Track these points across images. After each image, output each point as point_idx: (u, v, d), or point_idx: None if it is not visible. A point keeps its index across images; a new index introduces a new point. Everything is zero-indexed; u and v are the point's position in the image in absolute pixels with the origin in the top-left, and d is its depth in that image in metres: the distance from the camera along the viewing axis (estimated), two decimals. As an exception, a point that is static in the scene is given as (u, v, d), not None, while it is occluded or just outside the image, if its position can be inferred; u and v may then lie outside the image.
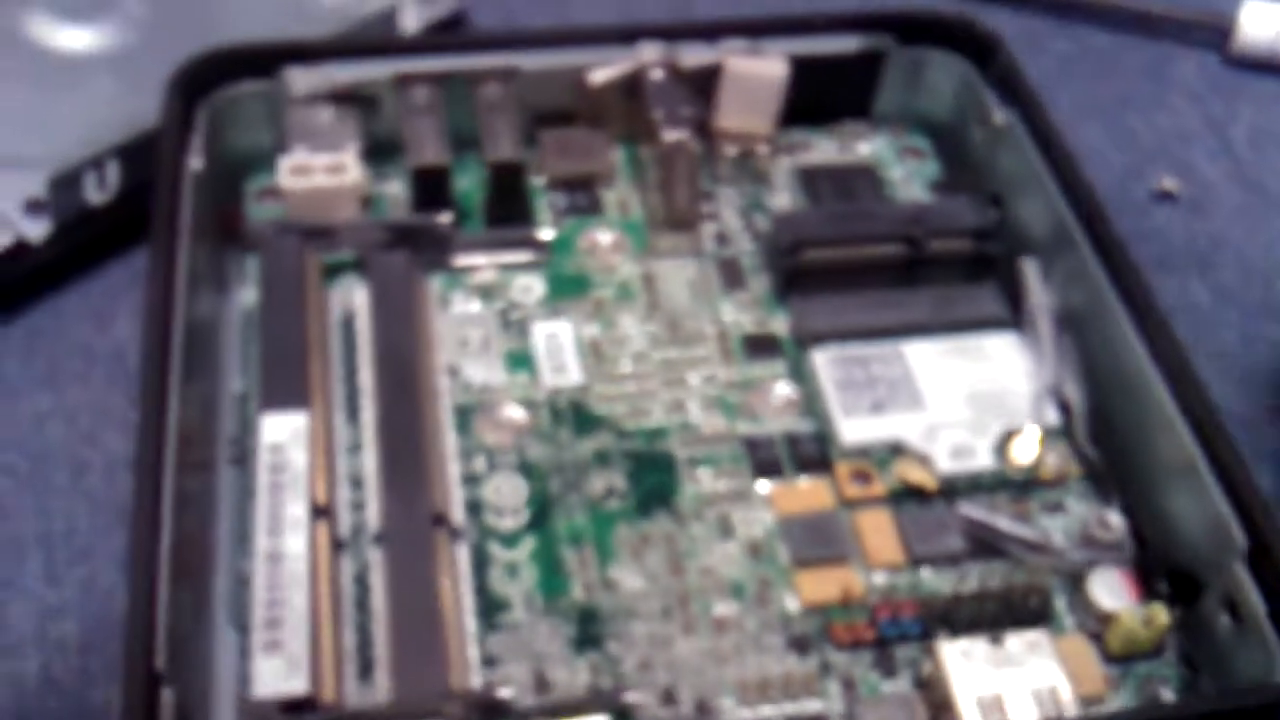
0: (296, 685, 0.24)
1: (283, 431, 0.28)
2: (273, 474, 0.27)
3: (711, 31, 0.35)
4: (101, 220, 0.36)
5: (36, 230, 0.34)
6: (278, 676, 0.24)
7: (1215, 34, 0.45)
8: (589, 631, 0.27)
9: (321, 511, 0.27)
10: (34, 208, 0.34)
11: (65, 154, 0.35)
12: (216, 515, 0.29)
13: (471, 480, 0.29)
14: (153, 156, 0.32)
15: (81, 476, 0.33)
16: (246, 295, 0.32)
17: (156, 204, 0.31)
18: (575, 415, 0.30)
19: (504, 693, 0.25)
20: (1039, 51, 0.46)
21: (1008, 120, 0.34)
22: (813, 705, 0.26)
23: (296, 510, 0.27)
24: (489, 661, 0.26)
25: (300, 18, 0.40)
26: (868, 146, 0.37)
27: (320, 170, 0.32)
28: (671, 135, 0.33)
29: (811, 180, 0.36)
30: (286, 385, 0.29)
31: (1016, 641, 0.26)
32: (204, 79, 0.33)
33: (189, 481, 0.28)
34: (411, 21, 0.41)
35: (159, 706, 0.23)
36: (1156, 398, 0.29)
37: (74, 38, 0.39)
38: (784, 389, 0.31)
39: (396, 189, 0.35)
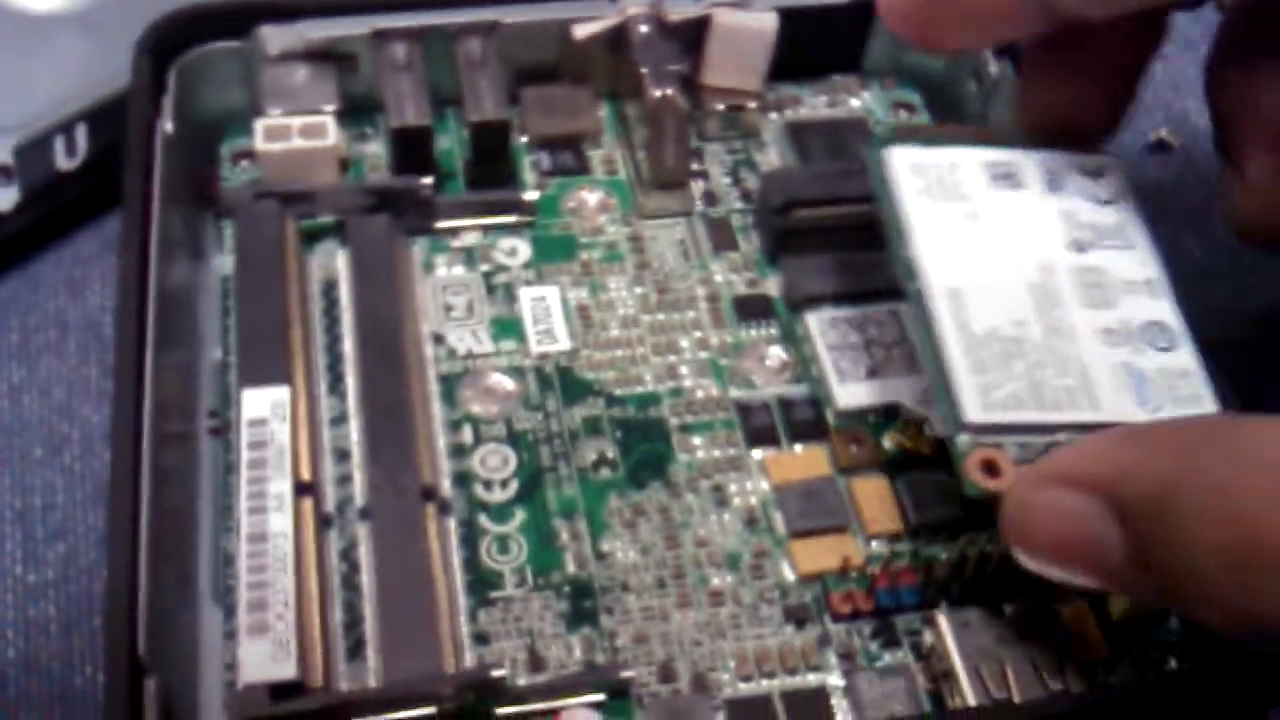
0: (285, 670, 0.24)
1: (263, 406, 0.27)
2: (254, 450, 0.26)
3: (699, -16, 0.34)
4: (72, 186, 0.35)
5: (4, 199, 0.33)
6: (265, 661, 0.24)
7: (1209, -21, 0.44)
8: (582, 606, 0.26)
9: (306, 488, 0.26)
10: (1, 175, 0.33)
11: (32, 118, 0.33)
12: (198, 489, 0.28)
13: (459, 452, 0.28)
14: (123, 120, 0.31)
15: (58, 451, 0.32)
16: (224, 261, 0.31)
17: (128, 169, 0.29)
18: (564, 382, 0.30)
19: (497, 672, 0.24)
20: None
21: (1002, 73, 0.33)
22: (812, 678, 0.26)
23: (280, 487, 0.26)
24: (481, 639, 0.26)
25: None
26: (858, 101, 0.36)
27: (296, 132, 0.31)
28: (659, 92, 0.32)
29: (801, 136, 0.35)
30: (266, 359, 0.28)
31: (1017, 609, 0.26)
32: (175, 39, 0.32)
33: (169, 455, 0.27)
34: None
35: (143, 696, 0.23)
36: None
37: (38, -4, 0.37)
38: (777, 353, 0.31)
39: (376, 149, 0.34)
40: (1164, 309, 0.27)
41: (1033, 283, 0.26)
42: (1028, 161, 0.28)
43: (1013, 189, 0.27)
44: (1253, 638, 0.22)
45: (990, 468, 0.24)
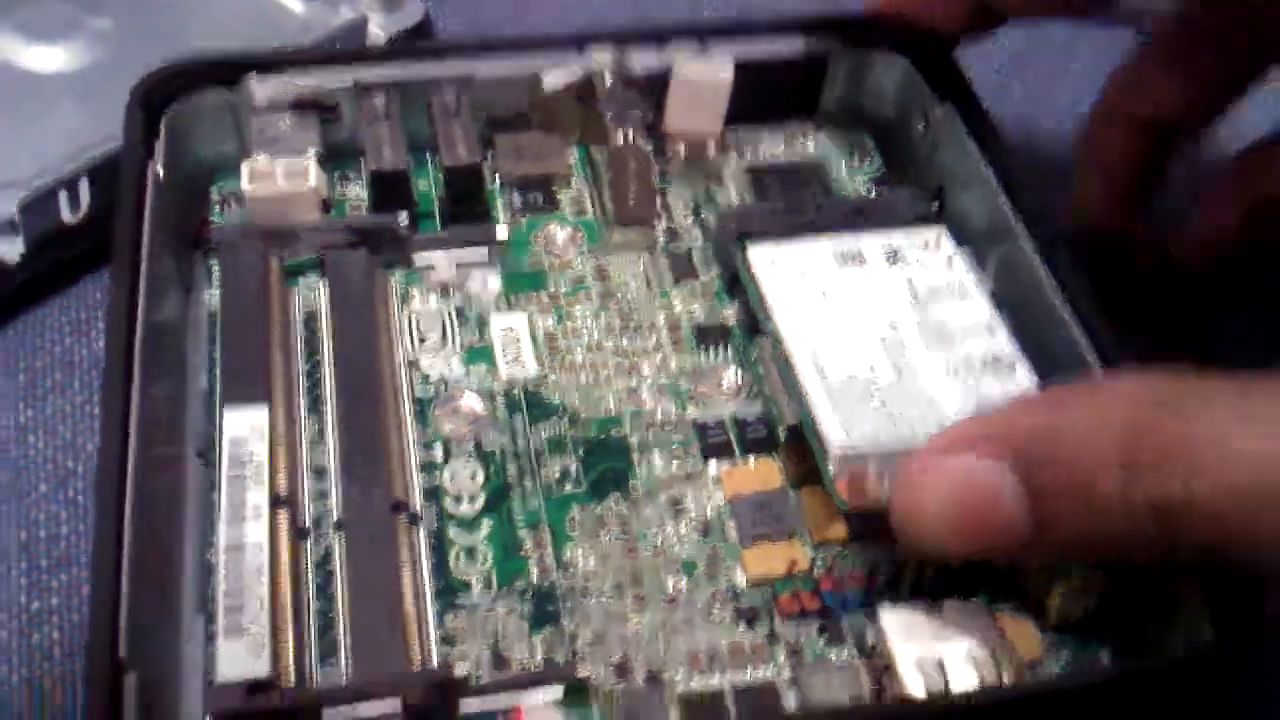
0: (259, 668, 0.25)
1: (244, 426, 0.29)
2: (234, 467, 0.28)
3: (660, 36, 0.36)
4: (75, 238, 0.36)
5: (10, 251, 0.35)
6: (241, 660, 0.25)
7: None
8: (544, 609, 0.28)
9: (282, 501, 0.28)
10: (7, 229, 0.35)
11: (37, 173, 0.35)
12: (184, 510, 0.30)
13: (429, 468, 0.30)
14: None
15: (63, 484, 0.34)
16: (213, 296, 0.33)
17: (120, 209, 0.31)
18: (530, 404, 0.32)
19: (461, 669, 0.26)
20: (992, 43, 0.46)
21: (946, 115, 0.35)
22: (761, 673, 0.27)
23: (257, 500, 0.28)
24: (447, 641, 0.27)
25: (271, 31, 0.41)
26: (813, 144, 0.38)
27: (280, 175, 0.33)
28: (622, 137, 0.34)
29: (759, 177, 0.37)
30: (248, 381, 0.30)
31: (955, 608, 0.28)
32: (167, 90, 0.34)
33: (156, 478, 0.28)
34: (379, 32, 0.42)
35: (123, 692, 0.24)
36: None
37: (42, 57, 0.40)
38: (733, 375, 0.32)
39: (357, 191, 0.36)
40: (1001, 344, 0.30)
41: (882, 337, 0.30)
42: (871, 243, 0.32)
43: (858, 267, 0.32)
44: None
45: (857, 485, 0.27)
